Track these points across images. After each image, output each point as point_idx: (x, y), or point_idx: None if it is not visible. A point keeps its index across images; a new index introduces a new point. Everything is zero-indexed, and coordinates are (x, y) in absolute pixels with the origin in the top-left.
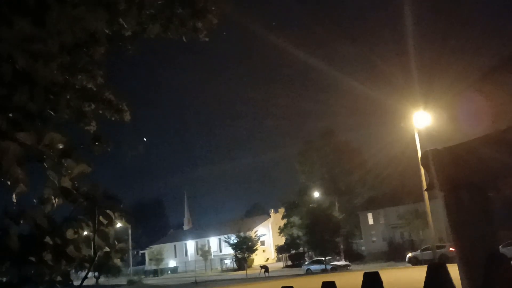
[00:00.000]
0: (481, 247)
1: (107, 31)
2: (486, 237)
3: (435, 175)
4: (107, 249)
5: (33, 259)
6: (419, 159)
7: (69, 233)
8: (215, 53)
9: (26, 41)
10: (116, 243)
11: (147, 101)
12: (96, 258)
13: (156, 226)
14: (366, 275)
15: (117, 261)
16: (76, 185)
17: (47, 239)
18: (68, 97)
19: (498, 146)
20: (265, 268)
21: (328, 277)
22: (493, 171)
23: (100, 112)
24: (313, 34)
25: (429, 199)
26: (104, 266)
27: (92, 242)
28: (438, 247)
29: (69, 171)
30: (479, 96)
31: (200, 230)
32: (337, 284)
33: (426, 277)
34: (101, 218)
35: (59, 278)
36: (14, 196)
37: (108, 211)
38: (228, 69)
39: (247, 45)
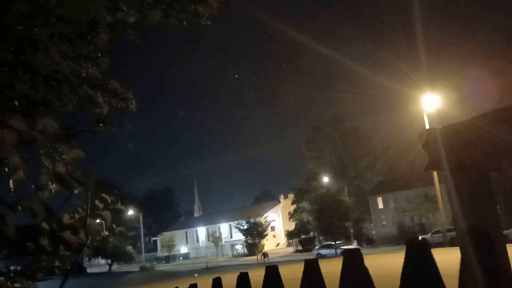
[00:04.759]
0: (483, 229)
1: (108, 18)
2: (488, 219)
3: (435, 155)
4: (106, 233)
5: (30, 245)
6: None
7: (65, 218)
8: (222, 43)
9: (25, 26)
10: (115, 226)
11: (156, 91)
12: (92, 241)
13: (167, 213)
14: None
15: (129, 248)
16: (70, 170)
17: (44, 225)
18: (73, 85)
19: (501, 123)
20: (264, 254)
21: (337, 261)
22: (496, 150)
23: (106, 100)
24: (319, 20)
25: (439, 182)
26: (116, 254)
27: (86, 226)
28: (449, 230)
29: (63, 156)
30: (487, 75)
31: (210, 217)
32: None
33: (406, 257)
34: (97, 202)
35: (57, 264)
36: (11, 183)
37: (103, 195)
38: (236, 58)
39: (253, 34)
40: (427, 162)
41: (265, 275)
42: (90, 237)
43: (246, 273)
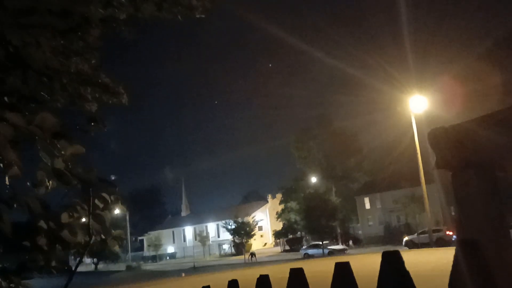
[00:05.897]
0: (489, 228)
1: (101, 11)
2: (494, 218)
3: (444, 154)
4: (102, 236)
5: (27, 244)
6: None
7: (64, 217)
8: (211, 43)
9: (19, 21)
10: (113, 231)
11: (144, 89)
12: (92, 243)
13: (154, 212)
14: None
15: (115, 248)
16: (70, 166)
17: (41, 223)
18: (64, 81)
19: (499, 127)
20: (251, 254)
21: (325, 261)
22: (501, 150)
23: (97, 95)
24: (306, 20)
25: (426, 183)
26: (102, 253)
27: (88, 226)
28: (435, 231)
29: (62, 152)
30: (471, 77)
31: (198, 216)
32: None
33: (455, 257)
34: (96, 201)
35: (54, 264)
36: (6, 179)
37: (104, 194)
38: (224, 58)
39: (241, 34)
40: (435, 161)
41: (289, 278)
42: (93, 237)
43: (267, 276)
